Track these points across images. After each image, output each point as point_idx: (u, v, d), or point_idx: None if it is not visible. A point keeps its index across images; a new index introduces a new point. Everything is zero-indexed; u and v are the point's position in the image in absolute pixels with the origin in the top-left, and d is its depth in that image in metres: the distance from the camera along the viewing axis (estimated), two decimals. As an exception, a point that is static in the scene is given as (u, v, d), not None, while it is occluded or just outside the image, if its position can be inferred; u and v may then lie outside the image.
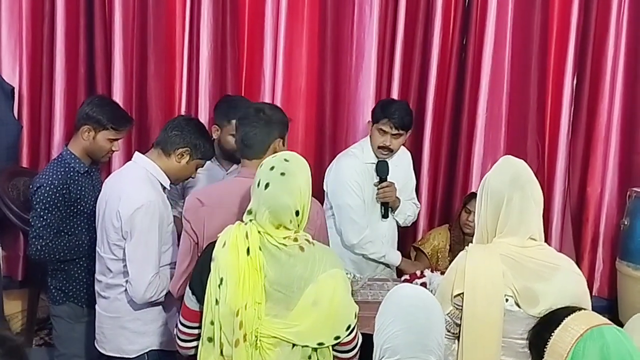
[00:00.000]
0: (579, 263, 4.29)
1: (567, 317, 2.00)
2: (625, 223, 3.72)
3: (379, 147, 3.42)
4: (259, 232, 2.17)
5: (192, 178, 2.95)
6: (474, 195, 3.63)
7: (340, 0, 4.12)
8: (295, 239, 2.19)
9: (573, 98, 4.18)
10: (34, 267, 3.76)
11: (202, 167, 2.95)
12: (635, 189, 3.82)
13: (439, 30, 4.10)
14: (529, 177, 2.32)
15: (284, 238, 2.17)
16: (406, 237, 4.21)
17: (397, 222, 3.66)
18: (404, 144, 3.84)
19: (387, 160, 3.46)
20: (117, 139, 3.06)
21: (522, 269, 2.23)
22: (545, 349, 1.98)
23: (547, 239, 4.16)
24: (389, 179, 3.48)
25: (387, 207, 3.52)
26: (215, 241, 2.21)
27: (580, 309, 2.04)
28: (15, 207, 3.64)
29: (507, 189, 2.27)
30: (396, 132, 3.37)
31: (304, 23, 4.15)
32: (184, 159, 2.80)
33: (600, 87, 4.16)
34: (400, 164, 3.61)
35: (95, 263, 3.00)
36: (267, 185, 2.16)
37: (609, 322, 1.99)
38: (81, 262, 3.06)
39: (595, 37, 4.12)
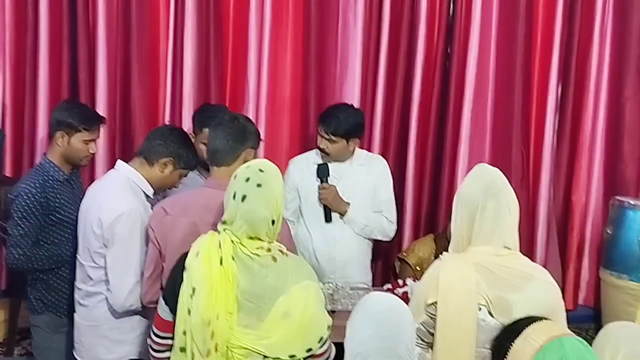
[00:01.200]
0: (564, 272, 4.28)
1: (527, 326, 1.98)
2: (609, 232, 3.70)
3: (318, 149, 3.45)
4: (232, 241, 2.16)
5: (176, 187, 2.94)
6: None
7: (324, 9, 4.11)
8: (269, 249, 2.19)
9: (557, 107, 4.18)
10: (16, 277, 3.74)
11: (186, 176, 2.95)
12: (617, 197, 3.81)
13: (424, 39, 4.10)
14: (503, 185, 2.31)
15: (257, 248, 2.17)
16: (391, 247, 4.19)
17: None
18: (385, 156, 3.85)
19: (327, 162, 3.47)
20: (91, 140, 3.05)
21: (495, 279, 2.22)
22: (505, 359, 1.97)
23: (533, 248, 4.20)
24: (355, 195, 3.47)
25: (329, 210, 3.49)
26: (188, 251, 2.20)
27: (541, 318, 2.03)
28: (-5, 216, 3.62)
29: (481, 197, 2.26)
30: (328, 137, 3.38)
31: (288, 32, 4.14)
32: (167, 169, 2.81)
33: (584, 96, 4.16)
34: (369, 173, 3.57)
35: (75, 272, 3.00)
36: (243, 198, 2.15)
37: (570, 332, 1.97)
38: (61, 272, 3.05)
39: (579, 45, 4.12)
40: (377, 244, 3.77)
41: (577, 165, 4.21)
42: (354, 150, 3.53)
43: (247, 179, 2.18)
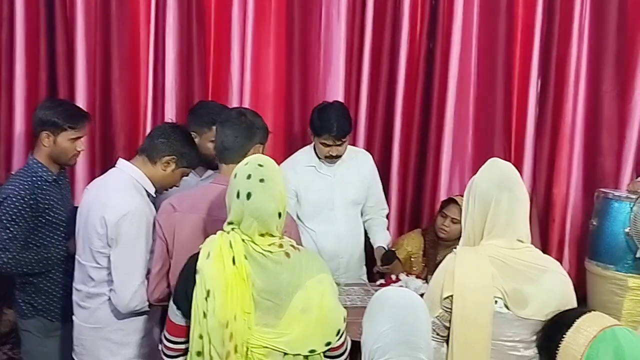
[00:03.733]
0: (545, 263, 4.34)
1: (577, 318, 2.01)
2: (594, 223, 3.76)
3: (326, 157, 3.44)
4: (242, 240, 2.13)
5: (177, 187, 2.88)
6: (451, 200, 3.66)
7: (307, 5, 4.08)
8: (281, 245, 2.15)
9: (538, 100, 4.23)
10: (-2, 281, 3.63)
11: (187, 175, 2.90)
12: (602, 189, 3.87)
13: (407, 34, 4.10)
14: (516, 179, 2.33)
15: (269, 245, 2.14)
16: (377, 242, 4.20)
17: (363, 222, 3.71)
18: (370, 152, 3.89)
19: (393, 249, 3.59)
20: (78, 138, 2.97)
21: (510, 271, 2.24)
22: (557, 352, 1.99)
23: (515, 240, 4.24)
24: (350, 193, 3.53)
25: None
26: (197, 253, 2.15)
27: (590, 310, 2.06)
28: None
29: (495, 191, 2.27)
30: (339, 143, 3.40)
31: (271, 27, 4.10)
32: (169, 167, 2.76)
33: (564, 89, 4.21)
34: (360, 168, 3.62)
35: (67, 274, 2.94)
36: (249, 196, 2.11)
37: (620, 323, 2.00)
38: (51, 275, 2.97)
39: (558, 41, 4.17)
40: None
41: (557, 158, 4.26)
42: None
43: (249, 176, 2.14)
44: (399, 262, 3.78)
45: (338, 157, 3.44)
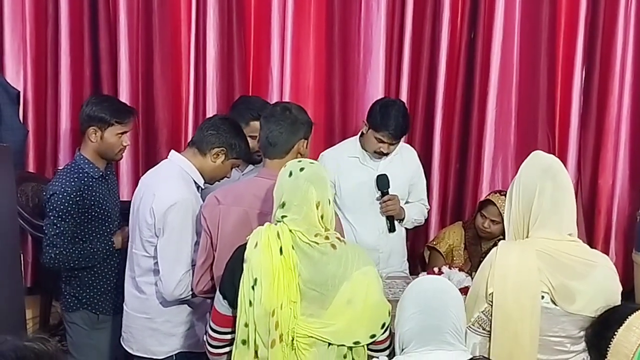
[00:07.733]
0: (591, 256, 4.27)
1: (629, 315, 1.97)
2: (642, 215, 3.70)
3: (375, 152, 3.41)
4: (290, 230, 2.15)
5: (227, 178, 2.92)
6: (488, 201, 3.59)
7: (346, -3, 4.08)
8: (327, 237, 2.18)
9: (582, 90, 4.16)
10: (47, 274, 3.71)
11: (238, 167, 2.94)
12: (651, 180, 3.80)
13: (447, 24, 4.07)
14: (560, 168, 2.28)
15: (316, 236, 2.16)
16: (417, 236, 4.18)
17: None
18: (411, 144, 3.84)
19: (386, 173, 3.42)
20: (124, 132, 3.02)
21: (559, 265, 2.19)
22: (608, 349, 1.95)
23: (560, 232, 4.17)
24: (392, 186, 3.43)
25: (393, 220, 3.47)
26: (245, 244, 2.18)
27: None
28: (24, 213, 3.58)
29: (539, 180, 2.22)
30: (395, 141, 3.37)
31: (311, 20, 4.10)
32: (219, 159, 2.79)
33: (609, 79, 4.13)
34: (404, 164, 3.56)
35: (113, 269, 3.02)
36: (302, 169, 2.19)
37: None
38: (95, 269, 3.02)
39: (604, 29, 4.09)
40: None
41: (603, 149, 4.19)
42: None
43: (302, 169, 2.20)
44: (441, 256, 3.75)
45: (386, 154, 3.42)
